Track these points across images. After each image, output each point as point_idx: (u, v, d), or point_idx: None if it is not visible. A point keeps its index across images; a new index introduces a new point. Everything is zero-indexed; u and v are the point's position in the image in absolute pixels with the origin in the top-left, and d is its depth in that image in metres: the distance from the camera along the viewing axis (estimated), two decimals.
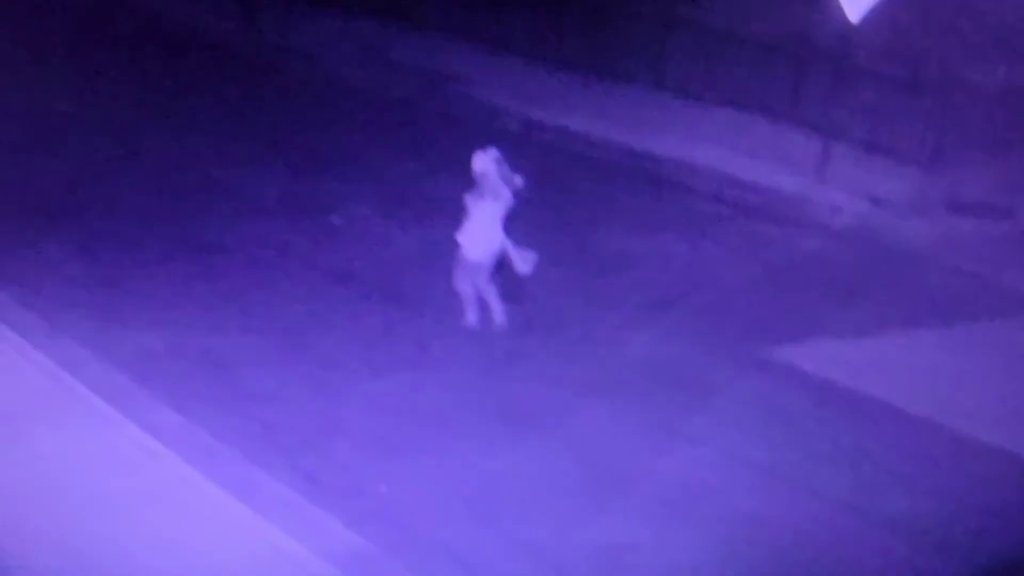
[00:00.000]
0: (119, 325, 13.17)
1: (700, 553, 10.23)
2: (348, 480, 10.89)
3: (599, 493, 10.99)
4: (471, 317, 13.73)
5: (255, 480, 10.61)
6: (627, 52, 25.02)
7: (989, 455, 11.95)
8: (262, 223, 16.53)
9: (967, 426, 12.32)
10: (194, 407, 11.59)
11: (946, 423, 12.42)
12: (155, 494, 10.31)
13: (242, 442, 11.17)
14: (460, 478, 11.03)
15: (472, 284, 13.57)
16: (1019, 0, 18.95)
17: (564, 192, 18.43)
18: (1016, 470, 11.76)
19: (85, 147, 19.06)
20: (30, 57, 23.89)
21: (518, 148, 20.47)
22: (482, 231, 13.37)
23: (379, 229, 16.46)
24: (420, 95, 23.32)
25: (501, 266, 13.56)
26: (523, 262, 13.49)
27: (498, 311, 13.68)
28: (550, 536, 10.33)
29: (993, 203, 18.68)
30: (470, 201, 13.40)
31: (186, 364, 12.50)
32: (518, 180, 13.56)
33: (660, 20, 25.19)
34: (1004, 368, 13.69)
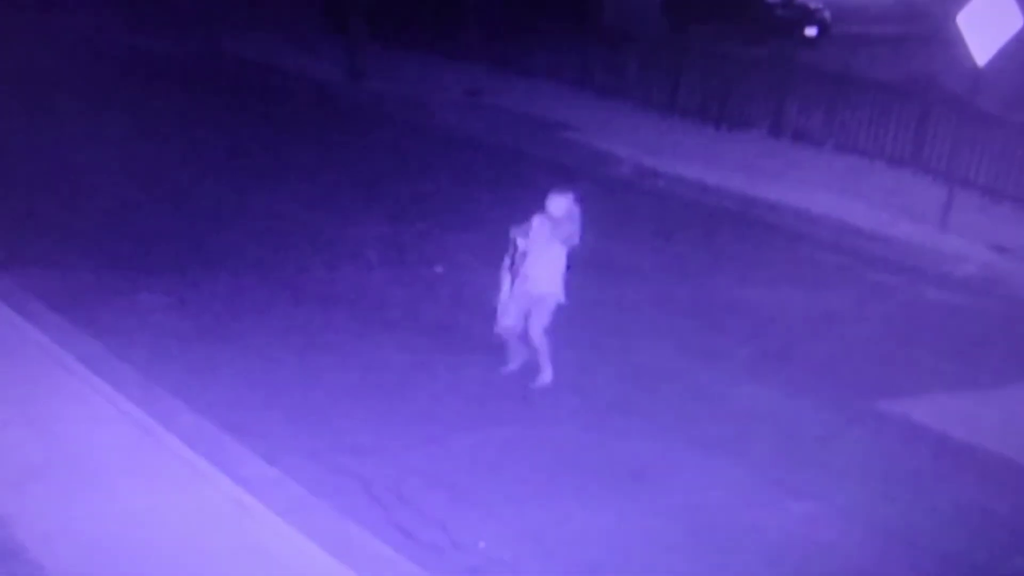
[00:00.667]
0: (214, 376, 13.04)
1: None
2: (446, 536, 10.65)
3: (707, 550, 10.59)
4: (513, 363, 13.47)
5: (350, 535, 10.38)
6: (744, 97, 24.88)
7: None
8: (363, 273, 16.44)
9: None
10: (289, 460, 11.40)
11: None
12: (248, 548, 10.11)
13: (338, 496, 10.96)
14: (562, 535, 10.70)
15: (521, 322, 13.24)
16: None
17: (676, 240, 18.23)
18: None
19: (185, 197, 19.18)
20: (132, 108, 24.24)
21: (629, 195, 20.51)
22: (549, 269, 13.01)
23: (483, 279, 16.27)
24: (528, 142, 23.24)
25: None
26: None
27: (547, 370, 13.34)
28: None
29: None
30: (537, 237, 13.00)
31: (281, 416, 12.31)
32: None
33: (779, 65, 25.04)
34: None
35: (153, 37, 32.98)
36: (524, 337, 13.29)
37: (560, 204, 12.87)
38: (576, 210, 13.04)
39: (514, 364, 13.46)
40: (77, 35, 33.02)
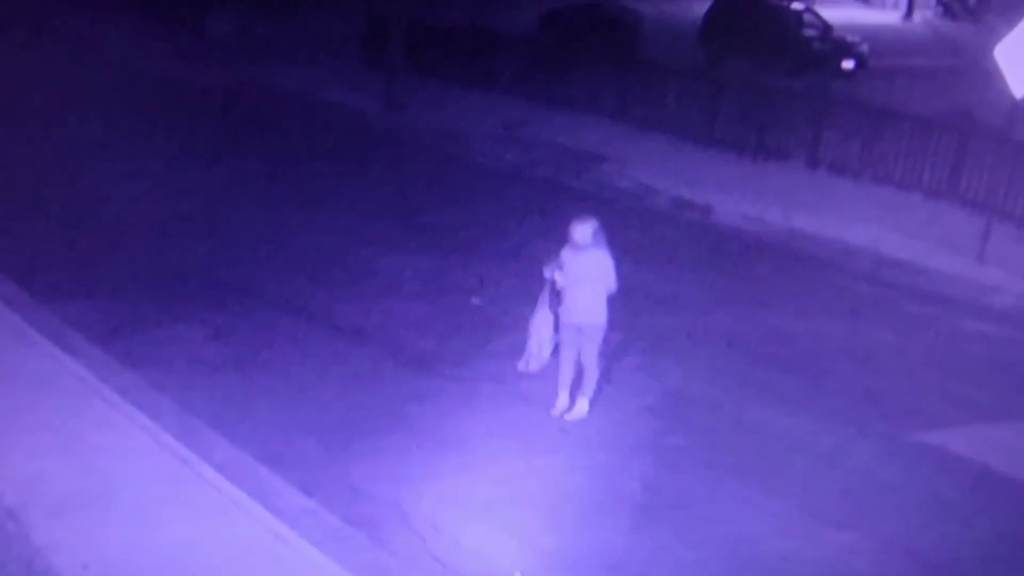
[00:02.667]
0: (251, 407, 13.07)
1: None
2: (484, 567, 10.62)
3: None
4: (561, 399, 13.38)
5: (388, 566, 10.38)
6: (782, 129, 24.87)
7: None
8: (401, 304, 16.44)
9: None
10: (326, 491, 11.42)
11: None
12: None
13: (375, 527, 10.97)
14: (600, 565, 10.63)
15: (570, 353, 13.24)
16: None
17: (714, 272, 18.19)
18: None
19: (223, 227, 19.29)
20: (170, 138, 24.42)
21: (667, 226, 20.48)
22: (594, 298, 12.98)
23: (521, 311, 16.26)
24: (567, 174, 23.26)
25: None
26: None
27: (585, 400, 13.30)
28: None
29: None
30: (572, 269, 12.96)
31: (318, 447, 12.32)
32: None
33: (816, 97, 25.04)
34: None
35: (192, 68, 33.21)
36: (574, 366, 13.26)
37: (583, 232, 12.84)
38: (603, 248, 12.98)
39: (562, 400, 13.39)
40: (117, 66, 33.34)
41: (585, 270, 12.87)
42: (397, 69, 29.43)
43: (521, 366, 13.91)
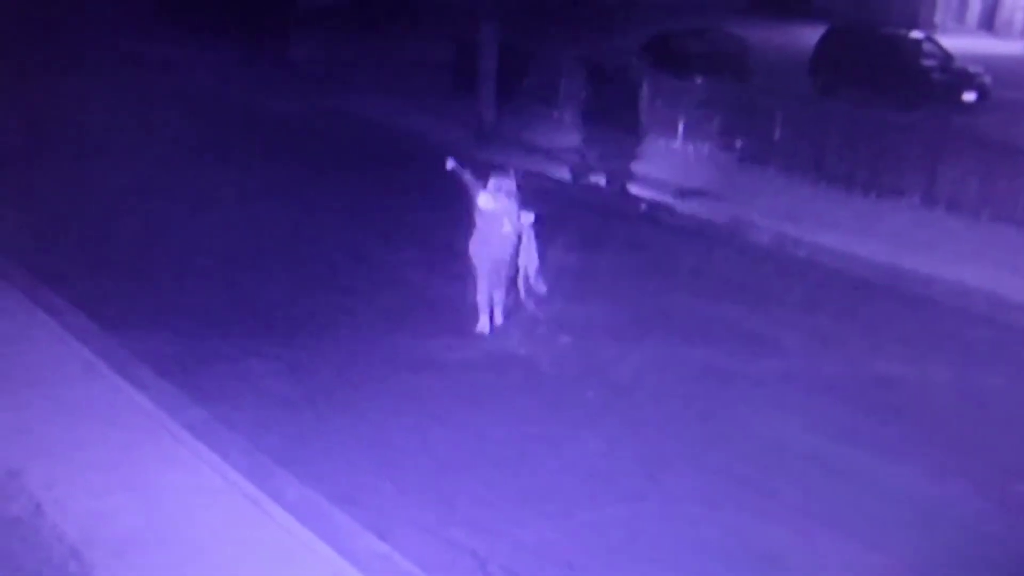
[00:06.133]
0: (324, 446, 13.24)
1: None
2: None
3: None
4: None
5: None
6: (895, 164, 24.74)
7: None
8: (483, 340, 16.64)
9: None
10: (400, 535, 11.53)
11: None
12: None
13: (451, 573, 11.07)
14: None
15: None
16: None
17: (817, 312, 18.13)
18: None
19: (301, 259, 19.59)
20: (249, 167, 24.80)
21: (769, 264, 20.46)
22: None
23: (611, 351, 16.36)
24: (662, 209, 23.32)
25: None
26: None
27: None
28: None
29: None
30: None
31: (393, 489, 12.44)
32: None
33: (934, 131, 24.88)
34: None
35: (273, 95, 33.66)
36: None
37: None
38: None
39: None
40: (196, 92, 33.89)
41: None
42: (487, 98, 29.65)
43: None
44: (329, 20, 44.95)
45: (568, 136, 28.75)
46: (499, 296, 16.74)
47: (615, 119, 29.01)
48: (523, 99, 31.61)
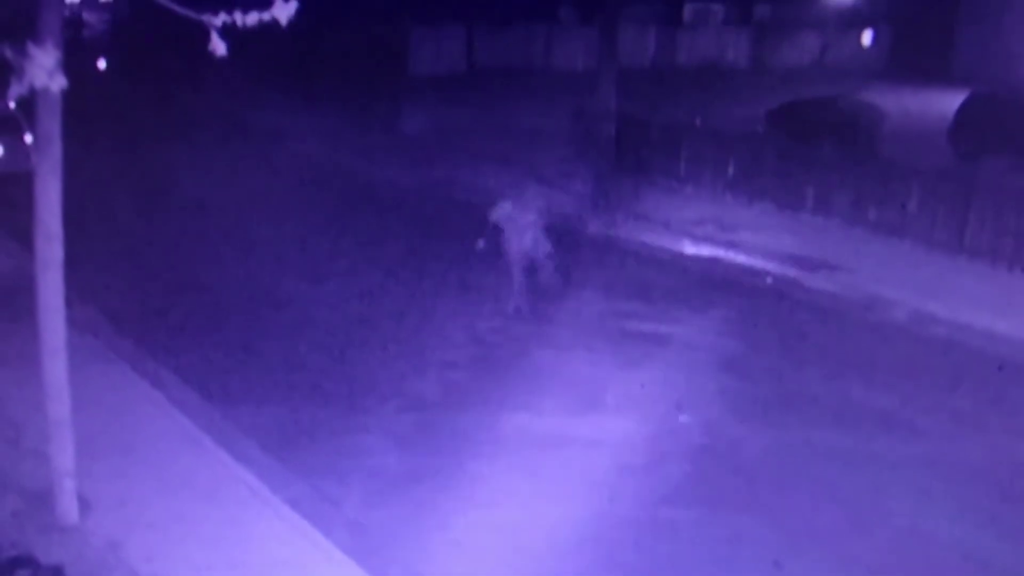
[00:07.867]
0: (433, 528, 13.21)
1: None
2: None
3: None
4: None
5: None
6: None
7: None
8: (598, 416, 16.52)
9: None
10: None
11: None
12: None
13: None
14: None
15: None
16: None
17: (958, 394, 17.80)
18: None
19: (411, 333, 19.68)
20: (353, 239, 25.05)
21: (904, 343, 20.16)
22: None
23: (738, 430, 16.15)
24: (788, 284, 23.11)
25: None
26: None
27: None
28: None
29: None
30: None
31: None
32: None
33: None
34: None
35: (382, 166, 34.01)
36: None
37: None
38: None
39: None
40: (305, 161, 34.40)
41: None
42: (607, 169, 29.66)
43: None
44: (442, 89, 45.48)
45: (690, 207, 28.66)
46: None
47: (740, 189, 28.92)
48: (643, 169, 31.61)
